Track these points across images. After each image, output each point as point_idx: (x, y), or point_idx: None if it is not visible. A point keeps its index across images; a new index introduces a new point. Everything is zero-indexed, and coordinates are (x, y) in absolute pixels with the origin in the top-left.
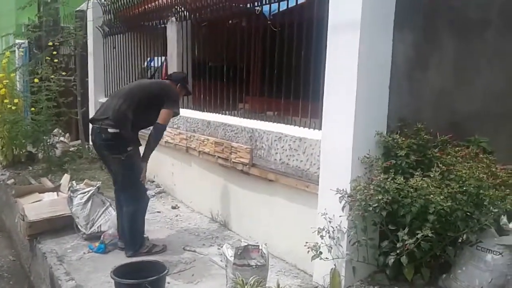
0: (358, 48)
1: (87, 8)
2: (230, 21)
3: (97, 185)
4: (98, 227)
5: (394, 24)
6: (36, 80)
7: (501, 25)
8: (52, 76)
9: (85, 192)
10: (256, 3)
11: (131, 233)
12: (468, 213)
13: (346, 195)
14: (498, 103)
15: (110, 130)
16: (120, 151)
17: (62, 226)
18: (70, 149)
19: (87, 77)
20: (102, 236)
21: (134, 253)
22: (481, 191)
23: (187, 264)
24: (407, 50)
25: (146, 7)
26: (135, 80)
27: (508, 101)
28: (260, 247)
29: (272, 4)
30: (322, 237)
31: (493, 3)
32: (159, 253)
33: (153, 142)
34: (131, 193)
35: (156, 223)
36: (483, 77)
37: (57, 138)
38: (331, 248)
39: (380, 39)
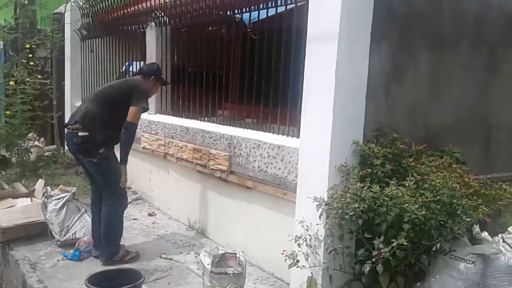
0: (335, 58)
1: (65, 11)
2: (210, 28)
3: (72, 191)
4: (73, 234)
5: (371, 36)
6: (11, 83)
7: (473, 39)
8: (28, 79)
9: (60, 198)
10: (236, 11)
11: (107, 237)
12: (442, 222)
13: (323, 203)
14: (471, 115)
15: (80, 133)
16: (93, 154)
17: (35, 232)
18: (45, 154)
19: (64, 81)
20: (77, 243)
21: (108, 260)
22: (454, 201)
23: (163, 272)
24: (384, 62)
25: (126, 11)
26: None
27: (480, 113)
28: (238, 255)
29: (252, 12)
30: (299, 245)
31: (465, 18)
32: (132, 261)
33: (126, 142)
34: (109, 194)
35: (132, 230)
36: (456, 90)
37: (32, 142)
38: (308, 256)
39: (357, 50)
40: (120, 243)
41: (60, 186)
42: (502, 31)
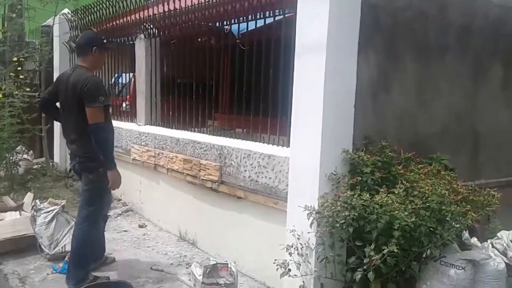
0: (324, 68)
1: (54, 23)
2: (199, 39)
3: (62, 204)
4: (62, 247)
5: (358, 46)
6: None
7: (459, 48)
8: (16, 92)
9: (49, 211)
10: (224, 22)
11: (76, 261)
12: (432, 229)
13: (314, 212)
14: (458, 123)
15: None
16: (91, 170)
17: (25, 246)
18: (34, 167)
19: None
20: (66, 256)
21: (76, 285)
22: (443, 207)
23: (154, 284)
24: (372, 71)
25: (115, 23)
26: None
27: (467, 120)
28: (229, 265)
29: (240, 24)
30: (290, 254)
31: (451, 28)
32: None
33: (100, 145)
34: (87, 216)
35: (123, 243)
36: (443, 98)
37: (20, 155)
38: (300, 265)
39: (345, 60)
40: (108, 253)
41: (49, 199)
42: (487, 40)
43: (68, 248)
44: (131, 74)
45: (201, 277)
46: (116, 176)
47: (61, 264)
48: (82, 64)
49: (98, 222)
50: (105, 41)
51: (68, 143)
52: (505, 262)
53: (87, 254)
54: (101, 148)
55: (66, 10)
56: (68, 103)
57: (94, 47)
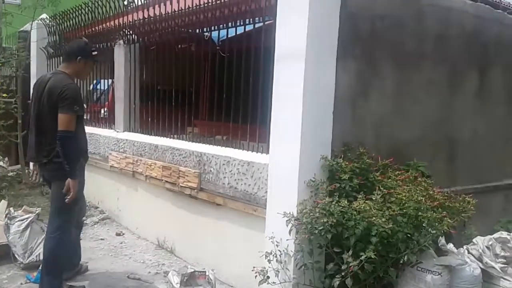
0: (303, 76)
1: (31, 29)
2: (179, 46)
3: (37, 212)
4: (36, 256)
5: (337, 54)
6: None
7: (436, 57)
8: None
9: (23, 219)
10: (205, 29)
11: (50, 270)
12: (408, 235)
13: (292, 219)
14: (434, 130)
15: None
16: (60, 178)
17: None
18: (9, 174)
19: (29, 100)
20: (41, 265)
21: None
22: (420, 213)
23: None
24: (350, 79)
25: (94, 29)
26: None
27: (443, 128)
28: (207, 273)
29: (220, 31)
30: (269, 261)
31: (428, 36)
32: None
33: (64, 154)
34: (58, 224)
35: (99, 251)
36: (420, 106)
37: None
38: (278, 272)
39: (324, 67)
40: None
41: (23, 207)
42: (463, 49)
43: (43, 257)
44: (110, 81)
45: (179, 285)
46: (74, 186)
47: (35, 273)
48: (64, 70)
49: (70, 230)
50: (94, 53)
51: (35, 150)
52: (480, 267)
53: (60, 263)
54: (65, 156)
55: (44, 16)
56: (42, 107)
57: (79, 57)
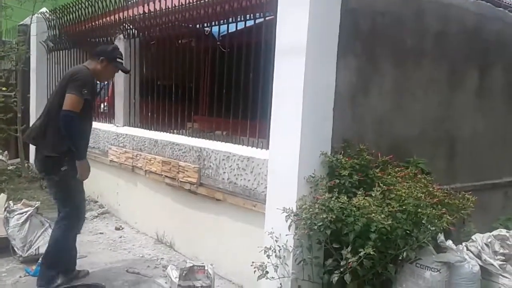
0: (303, 72)
1: (31, 23)
2: (179, 41)
3: (36, 205)
4: (36, 249)
5: (338, 50)
6: None
7: (435, 54)
8: None
9: (22, 213)
10: (205, 24)
11: (49, 260)
12: (408, 231)
13: (292, 214)
14: (434, 127)
15: (39, 154)
16: (54, 171)
17: None
18: (9, 168)
19: (29, 93)
20: (40, 258)
21: (45, 287)
22: (419, 210)
23: (130, 286)
24: (350, 75)
25: (94, 23)
26: None
27: (443, 125)
28: (206, 268)
29: (221, 26)
30: (268, 256)
31: (428, 33)
32: None
33: (69, 135)
34: (65, 215)
35: (98, 245)
36: (420, 103)
37: None
38: (277, 267)
39: (324, 64)
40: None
41: (23, 201)
42: (464, 46)
43: (42, 250)
44: None
45: (178, 279)
46: (84, 166)
47: (34, 267)
48: (86, 65)
49: (76, 222)
50: (119, 59)
51: (34, 138)
52: (479, 264)
53: (60, 253)
54: (71, 136)
55: (44, 9)
56: (53, 93)
57: (102, 57)
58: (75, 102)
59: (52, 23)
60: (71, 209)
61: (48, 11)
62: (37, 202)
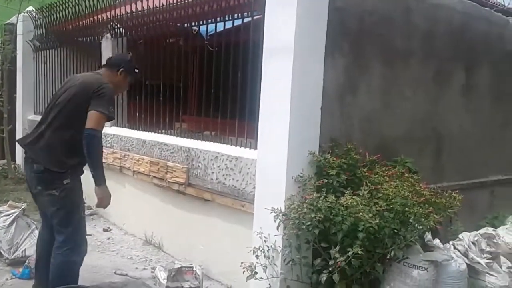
0: (291, 71)
1: (17, 21)
2: (167, 40)
3: (22, 207)
4: (22, 252)
5: (325, 49)
6: None
7: (423, 53)
8: None
9: (8, 215)
10: (193, 23)
11: None
12: (395, 230)
13: (280, 214)
14: (422, 126)
15: (35, 166)
16: (55, 185)
17: None
18: None
19: (15, 93)
20: (27, 261)
21: None
22: (406, 209)
23: None
24: (338, 75)
25: (81, 22)
26: None
27: (430, 124)
28: (194, 269)
29: (208, 25)
30: (257, 256)
31: (415, 33)
32: None
33: (91, 156)
34: (66, 238)
35: None
36: (408, 102)
37: None
38: (266, 267)
39: (312, 63)
40: None
41: (9, 202)
42: (450, 46)
43: (28, 252)
44: None
45: (166, 281)
46: (105, 193)
47: (20, 269)
48: (102, 76)
49: (81, 243)
50: (136, 70)
51: (33, 146)
52: (466, 263)
53: (70, 282)
54: (93, 158)
55: (30, 8)
56: (66, 102)
57: (122, 69)
58: (102, 121)
59: (39, 22)
60: (73, 229)
61: (34, 9)
62: (23, 204)
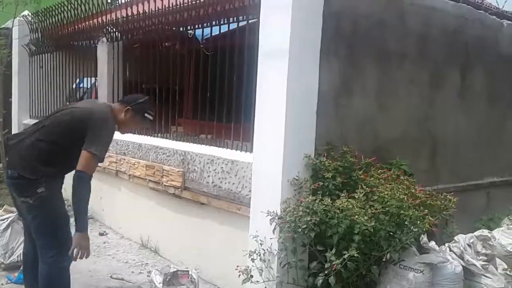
0: (286, 74)
1: (13, 26)
2: (163, 44)
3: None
4: (18, 256)
5: (320, 53)
6: None
7: (417, 56)
8: None
9: (4, 219)
10: (188, 27)
11: None
12: (391, 233)
13: (276, 217)
14: (417, 129)
15: (9, 171)
16: (28, 193)
17: None
18: None
19: (11, 98)
20: (22, 265)
21: None
22: (402, 212)
23: None
24: (333, 78)
25: (77, 26)
26: (63, 100)
27: (425, 126)
28: (190, 273)
29: (204, 29)
30: (253, 260)
31: (410, 35)
32: None
33: (76, 200)
34: (46, 246)
35: None
36: (402, 104)
37: None
38: (262, 270)
39: (307, 66)
40: None
41: (4, 207)
42: (445, 48)
43: None
44: (94, 79)
45: (161, 285)
46: (84, 242)
47: (16, 274)
48: (113, 108)
49: (65, 251)
50: (147, 114)
51: (12, 149)
52: (462, 265)
53: None
54: (78, 202)
55: (26, 12)
56: (57, 118)
57: (129, 107)
58: (94, 163)
59: (34, 26)
60: (53, 237)
61: (30, 14)
62: None
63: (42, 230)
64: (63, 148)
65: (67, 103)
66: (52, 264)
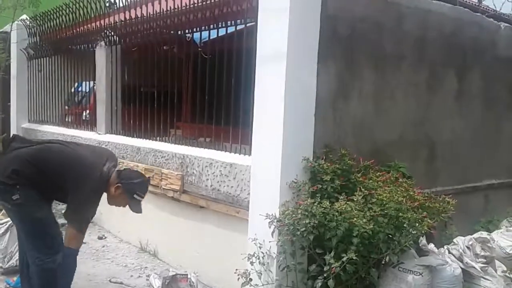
0: (284, 77)
1: (11, 30)
2: (161, 47)
3: None
4: (16, 260)
5: (318, 56)
6: None
7: (415, 59)
8: None
9: (2, 224)
10: (186, 31)
11: None
12: (389, 235)
13: (275, 220)
14: (415, 131)
15: None
16: (5, 198)
17: None
18: None
19: (9, 102)
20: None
21: None
22: (400, 214)
23: None
24: (331, 80)
25: (75, 30)
26: (62, 104)
27: (424, 129)
28: (189, 276)
29: (202, 32)
30: (252, 263)
31: (407, 38)
32: None
33: (63, 274)
34: (33, 249)
35: (81, 255)
36: (401, 107)
37: None
38: (261, 274)
39: (305, 69)
40: None
41: (2, 211)
42: (442, 51)
43: None
44: (92, 83)
45: None
46: None
47: (15, 278)
48: (110, 177)
49: (52, 253)
50: (136, 196)
51: (2, 156)
52: (461, 267)
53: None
54: (64, 279)
55: (24, 16)
56: (57, 152)
57: (119, 184)
58: (79, 239)
59: (33, 30)
60: (36, 239)
61: (28, 18)
62: None
63: (25, 233)
64: (45, 179)
65: (66, 107)
66: (39, 266)
